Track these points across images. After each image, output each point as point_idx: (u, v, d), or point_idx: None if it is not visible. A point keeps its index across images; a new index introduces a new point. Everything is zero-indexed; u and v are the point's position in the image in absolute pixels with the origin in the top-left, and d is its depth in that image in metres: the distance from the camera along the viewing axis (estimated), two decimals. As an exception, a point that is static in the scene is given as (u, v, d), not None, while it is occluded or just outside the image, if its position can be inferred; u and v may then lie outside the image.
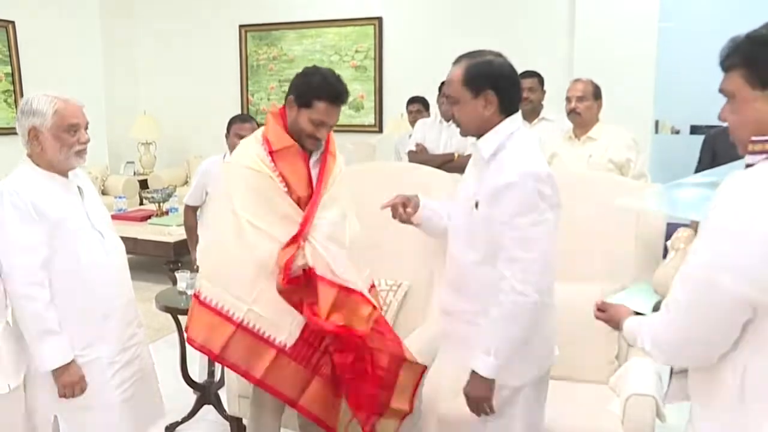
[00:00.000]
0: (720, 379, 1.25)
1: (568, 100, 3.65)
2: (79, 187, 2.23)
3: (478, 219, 1.87)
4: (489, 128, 1.88)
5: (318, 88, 2.19)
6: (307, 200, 2.23)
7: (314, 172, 2.28)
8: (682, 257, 1.39)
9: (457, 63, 1.90)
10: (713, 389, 1.27)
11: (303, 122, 2.21)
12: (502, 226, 1.79)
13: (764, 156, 1.22)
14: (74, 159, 2.15)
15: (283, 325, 2.18)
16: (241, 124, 3.42)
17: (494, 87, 1.85)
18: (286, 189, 2.20)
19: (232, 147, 3.40)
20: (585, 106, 3.61)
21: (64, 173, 2.18)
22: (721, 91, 1.32)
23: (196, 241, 3.57)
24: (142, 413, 2.39)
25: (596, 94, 3.65)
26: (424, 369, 2.33)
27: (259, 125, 3.22)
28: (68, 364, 2.10)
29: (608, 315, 1.62)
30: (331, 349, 2.21)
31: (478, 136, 1.91)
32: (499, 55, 1.92)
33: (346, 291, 2.21)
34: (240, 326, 2.19)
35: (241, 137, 3.32)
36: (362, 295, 2.25)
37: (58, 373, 2.10)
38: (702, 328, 1.22)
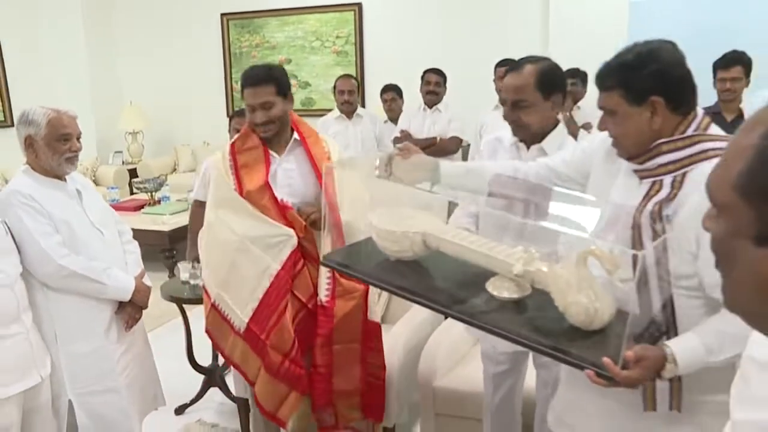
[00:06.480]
0: None
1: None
2: (77, 190, 2.42)
3: None
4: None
5: (241, 81, 2.45)
6: (258, 192, 2.37)
7: (280, 169, 2.44)
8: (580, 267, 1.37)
9: (523, 67, 2.00)
10: None
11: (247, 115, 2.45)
12: None
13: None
14: (65, 165, 2.36)
15: (238, 309, 2.40)
16: (239, 118, 3.52)
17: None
18: (235, 186, 2.40)
19: None
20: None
21: (60, 177, 2.38)
22: (601, 107, 1.51)
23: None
24: (144, 396, 2.60)
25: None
26: None
27: None
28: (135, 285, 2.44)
29: (641, 371, 1.34)
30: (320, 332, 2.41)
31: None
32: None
33: None
34: (213, 305, 2.47)
35: (238, 130, 3.47)
36: None
37: (134, 294, 2.43)
38: None
